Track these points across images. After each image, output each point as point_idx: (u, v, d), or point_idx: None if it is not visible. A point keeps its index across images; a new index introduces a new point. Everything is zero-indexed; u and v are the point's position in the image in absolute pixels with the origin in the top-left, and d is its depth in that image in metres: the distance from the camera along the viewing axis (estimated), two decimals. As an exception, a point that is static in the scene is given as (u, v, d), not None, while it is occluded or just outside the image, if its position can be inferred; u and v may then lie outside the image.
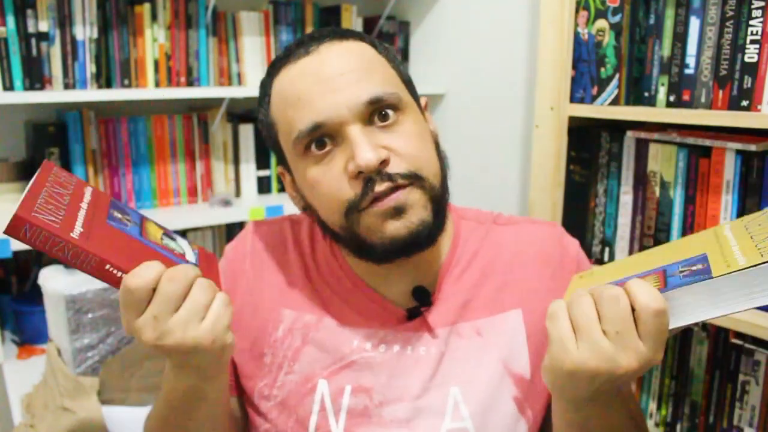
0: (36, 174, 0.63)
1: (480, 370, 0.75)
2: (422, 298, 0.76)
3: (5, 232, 0.55)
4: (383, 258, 0.71)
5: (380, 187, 0.67)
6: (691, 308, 0.54)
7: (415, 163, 0.69)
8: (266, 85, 0.75)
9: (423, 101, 0.79)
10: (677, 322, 0.54)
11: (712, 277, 0.52)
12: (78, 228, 0.59)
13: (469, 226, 0.82)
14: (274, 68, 0.74)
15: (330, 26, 0.75)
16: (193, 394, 0.68)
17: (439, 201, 0.71)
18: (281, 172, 0.80)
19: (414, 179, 0.68)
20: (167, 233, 0.71)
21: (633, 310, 0.54)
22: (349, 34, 0.73)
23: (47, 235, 0.56)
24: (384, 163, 0.67)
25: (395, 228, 0.68)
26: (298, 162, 0.72)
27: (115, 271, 0.59)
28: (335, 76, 0.68)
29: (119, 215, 0.66)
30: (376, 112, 0.69)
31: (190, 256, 0.70)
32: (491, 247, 0.80)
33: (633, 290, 0.55)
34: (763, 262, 0.50)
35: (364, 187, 0.67)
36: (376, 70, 0.71)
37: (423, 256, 0.76)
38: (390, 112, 0.69)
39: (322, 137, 0.69)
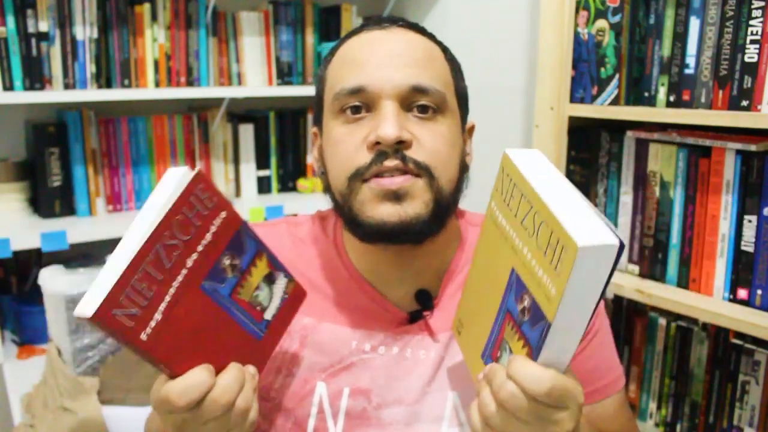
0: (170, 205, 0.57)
1: None
2: (425, 302, 0.76)
3: (90, 319, 0.53)
4: (367, 239, 0.71)
5: (390, 162, 0.67)
6: (566, 344, 0.53)
7: (433, 160, 0.69)
8: (336, 46, 0.77)
9: (470, 124, 0.81)
10: (566, 357, 0.54)
11: (551, 323, 0.51)
12: (151, 324, 0.57)
13: (476, 232, 0.81)
14: (349, 33, 0.77)
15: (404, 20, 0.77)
16: None
17: (442, 207, 0.70)
18: (314, 132, 0.81)
19: (426, 173, 0.69)
20: (272, 272, 0.68)
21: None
22: (426, 33, 0.76)
23: (119, 334, 0.55)
24: (404, 144, 0.68)
25: (387, 212, 0.68)
26: (330, 119, 0.73)
27: (168, 371, 0.59)
28: (395, 54, 0.71)
29: (228, 262, 0.63)
30: (417, 102, 0.70)
31: (270, 311, 0.68)
32: None
33: (520, 382, 0.54)
34: (569, 279, 0.49)
35: (374, 157, 0.68)
36: (433, 67, 0.72)
37: (428, 260, 0.76)
38: (430, 107, 0.70)
39: (359, 103, 0.70)
